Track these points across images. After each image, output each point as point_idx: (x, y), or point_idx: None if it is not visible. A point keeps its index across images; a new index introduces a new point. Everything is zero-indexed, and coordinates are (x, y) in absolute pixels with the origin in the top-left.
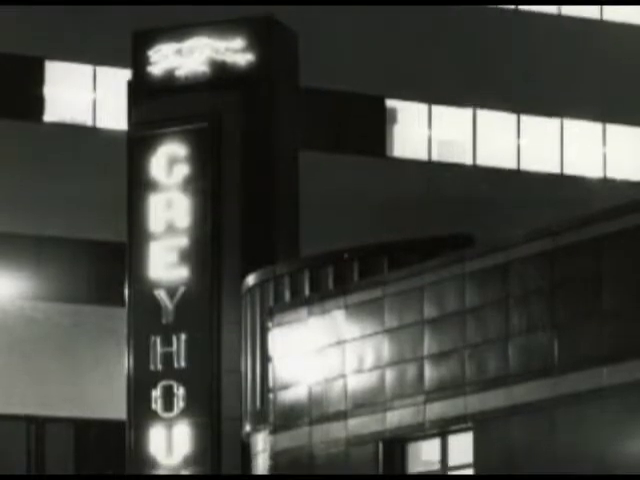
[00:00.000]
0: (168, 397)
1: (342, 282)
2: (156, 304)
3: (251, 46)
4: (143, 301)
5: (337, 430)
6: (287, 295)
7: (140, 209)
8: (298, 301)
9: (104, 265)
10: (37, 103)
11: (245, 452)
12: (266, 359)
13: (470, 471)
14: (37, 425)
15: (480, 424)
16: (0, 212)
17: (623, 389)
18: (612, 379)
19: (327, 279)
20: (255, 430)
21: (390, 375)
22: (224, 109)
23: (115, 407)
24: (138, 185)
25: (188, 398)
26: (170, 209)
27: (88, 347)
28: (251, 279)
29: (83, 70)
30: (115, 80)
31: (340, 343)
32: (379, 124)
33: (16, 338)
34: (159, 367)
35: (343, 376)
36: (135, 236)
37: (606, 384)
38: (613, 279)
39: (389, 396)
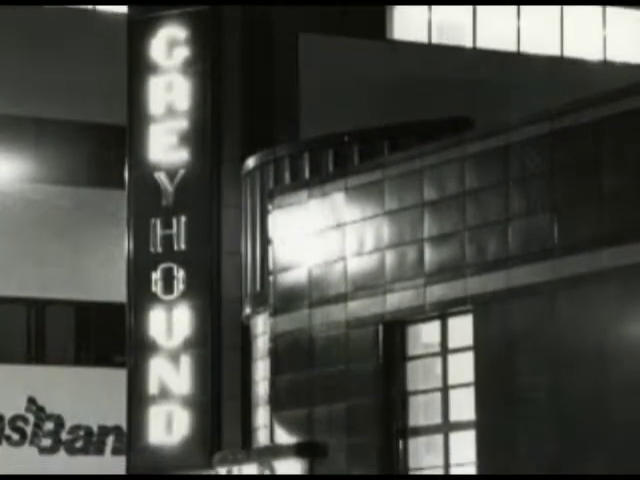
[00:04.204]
0: (168, 279)
1: (342, 165)
2: (156, 187)
3: None
4: (143, 184)
5: (337, 312)
6: (287, 177)
7: (140, 92)
8: (298, 183)
9: (104, 148)
10: None
11: (245, 334)
12: (266, 241)
13: (470, 353)
14: (37, 308)
15: (480, 306)
16: (0, 95)
17: (623, 271)
18: (612, 261)
19: (327, 162)
20: (255, 312)
21: (390, 257)
22: None
23: (115, 289)
24: (138, 68)
25: (188, 280)
26: (170, 91)
27: (88, 230)
28: (251, 161)
29: None
30: None
31: (340, 225)
32: (379, 7)
33: (16, 221)
34: (159, 249)
35: (343, 258)
36: (135, 119)
37: (606, 266)
38: (612, 162)
39: (389, 278)
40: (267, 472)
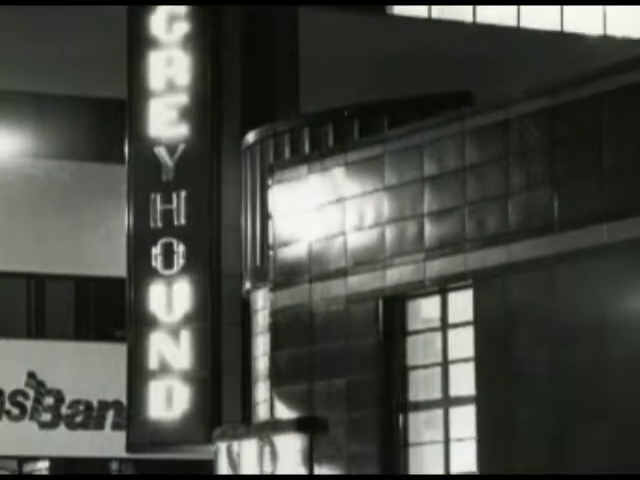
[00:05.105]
0: (168, 254)
1: (342, 140)
2: (156, 161)
3: None
4: (143, 158)
5: (337, 287)
6: (287, 152)
7: (140, 66)
8: (298, 158)
9: (105, 122)
10: None
11: (245, 309)
12: (266, 216)
13: (470, 328)
14: (37, 282)
15: (480, 281)
16: (0, 70)
17: (623, 246)
18: (612, 236)
19: (327, 137)
20: (255, 287)
21: (390, 232)
22: None
23: (115, 264)
24: (138, 42)
25: (188, 255)
26: (170, 66)
27: (88, 204)
28: (251, 136)
29: None
30: None
31: (340, 200)
32: None
33: (16, 196)
34: (159, 224)
35: (343, 233)
36: (135, 93)
37: (606, 241)
38: (613, 136)
39: (389, 253)
40: (267, 447)
